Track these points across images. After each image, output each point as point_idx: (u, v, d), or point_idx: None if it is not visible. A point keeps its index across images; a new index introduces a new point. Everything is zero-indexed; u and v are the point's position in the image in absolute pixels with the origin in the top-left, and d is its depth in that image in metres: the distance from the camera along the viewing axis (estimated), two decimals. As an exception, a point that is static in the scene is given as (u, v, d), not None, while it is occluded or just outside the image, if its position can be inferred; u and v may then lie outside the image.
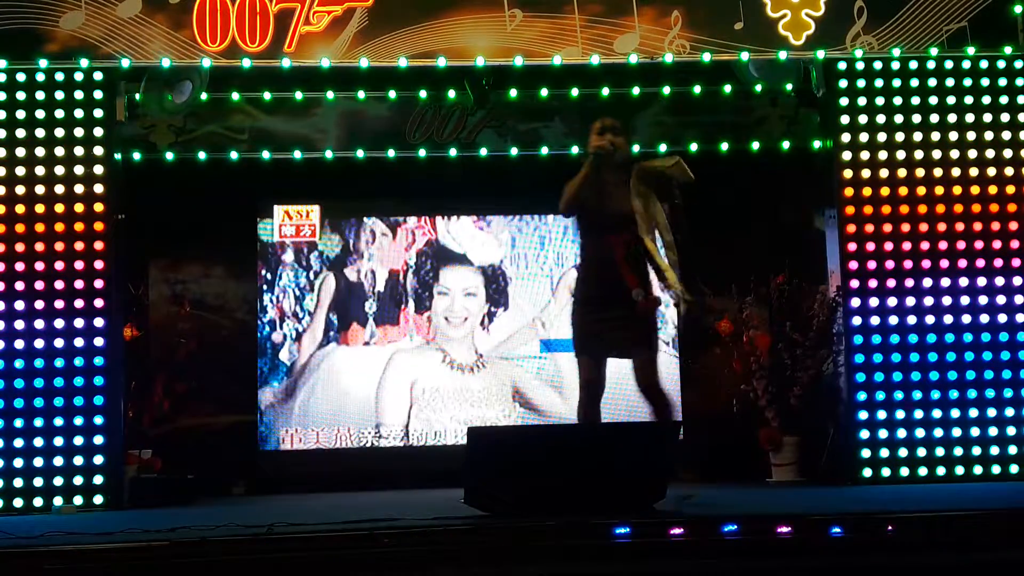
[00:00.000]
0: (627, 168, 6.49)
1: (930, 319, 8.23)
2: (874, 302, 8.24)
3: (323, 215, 9.73)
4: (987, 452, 8.14)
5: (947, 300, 8.24)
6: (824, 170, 8.58)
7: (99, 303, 7.95)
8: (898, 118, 8.36)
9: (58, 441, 7.80)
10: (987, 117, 8.37)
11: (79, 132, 8.07)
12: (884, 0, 8.33)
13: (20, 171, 8.00)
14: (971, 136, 8.36)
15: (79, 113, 8.09)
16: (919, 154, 8.34)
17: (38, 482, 7.77)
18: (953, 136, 8.35)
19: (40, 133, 8.04)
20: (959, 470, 8.11)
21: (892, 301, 8.24)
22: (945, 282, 8.25)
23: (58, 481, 7.78)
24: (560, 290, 9.76)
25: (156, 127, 8.96)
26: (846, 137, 8.36)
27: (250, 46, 8.15)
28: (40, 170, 8.02)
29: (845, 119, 8.37)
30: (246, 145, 9.11)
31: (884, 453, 8.13)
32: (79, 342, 7.90)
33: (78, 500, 7.78)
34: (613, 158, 6.47)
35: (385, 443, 9.53)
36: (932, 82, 8.39)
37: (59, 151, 8.04)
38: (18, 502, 7.75)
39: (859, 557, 6.17)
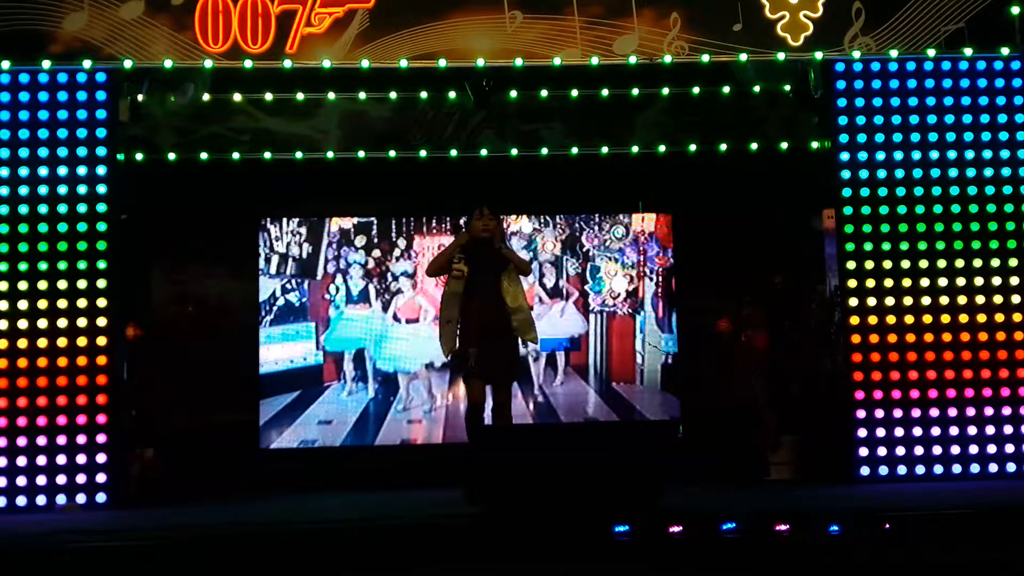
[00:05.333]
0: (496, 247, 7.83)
1: (927, 318, 8.28)
2: (872, 302, 8.29)
3: (324, 215, 9.75)
4: (984, 451, 8.19)
5: (944, 300, 8.29)
6: (822, 171, 8.62)
7: (102, 302, 7.99)
8: (896, 119, 8.41)
9: (61, 439, 7.84)
10: (984, 118, 8.42)
11: (82, 133, 8.12)
12: (882, 2, 8.37)
13: (24, 171, 8.05)
14: (968, 136, 8.40)
15: (82, 114, 8.13)
16: (916, 155, 8.38)
17: (41, 480, 7.81)
18: (951, 137, 8.40)
19: (44, 134, 8.09)
20: (956, 468, 8.16)
21: (890, 301, 8.29)
22: (942, 282, 8.29)
23: (61, 479, 7.82)
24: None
25: (158, 128, 9.00)
26: (844, 138, 8.40)
27: (252, 47, 8.19)
28: (43, 170, 8.06)
29: (843, 120, 8.41)
30: (248, 146, 9.16)
31: (882, 452, 8.17)
32: (82, 341, 7.94)
33: (81, 498, 7.83)
34: (490, 243, 7.76)
35: (384, 442, 9.55)
36: (930, 83, 8.44)
37: (62, 151, 8.08)
38: (21, 500, 7.79)
39: (857, 555, 6.23)
